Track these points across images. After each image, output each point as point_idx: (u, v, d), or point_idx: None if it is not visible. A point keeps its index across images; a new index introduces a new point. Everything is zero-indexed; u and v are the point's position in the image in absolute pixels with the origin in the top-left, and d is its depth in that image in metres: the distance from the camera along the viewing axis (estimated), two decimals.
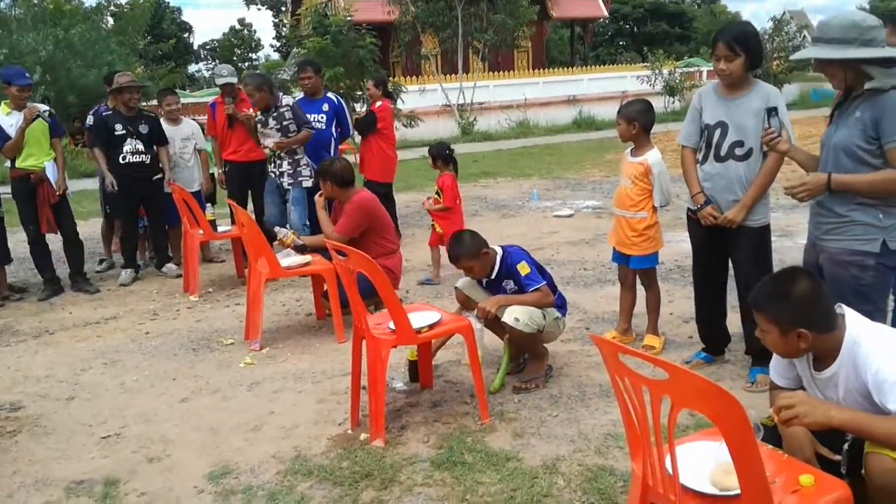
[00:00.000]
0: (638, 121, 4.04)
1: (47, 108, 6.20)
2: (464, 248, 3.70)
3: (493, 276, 3.77)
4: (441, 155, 5.98)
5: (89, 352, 4.70)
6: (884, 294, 2.89)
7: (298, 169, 5.87)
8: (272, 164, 6.03)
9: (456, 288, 3.92)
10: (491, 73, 22.85)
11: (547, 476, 2.89)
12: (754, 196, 3.46)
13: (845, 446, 2.14)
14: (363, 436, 3.31)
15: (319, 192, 4.80)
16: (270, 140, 5.83)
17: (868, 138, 2.70)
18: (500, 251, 3.78)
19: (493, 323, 3.72)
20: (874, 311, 2.68)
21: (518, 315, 3.55)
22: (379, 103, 6.98)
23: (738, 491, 1.83)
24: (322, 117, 6.42)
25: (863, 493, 1.99)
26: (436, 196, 5.90)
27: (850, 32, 2.66)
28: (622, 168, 4.22)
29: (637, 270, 4.21)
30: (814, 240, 2.99)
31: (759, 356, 3.71)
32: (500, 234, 7.18)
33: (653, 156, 4.05)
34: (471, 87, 20.88)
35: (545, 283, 3.69)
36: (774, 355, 2.39)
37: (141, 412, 3.74)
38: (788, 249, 5.91)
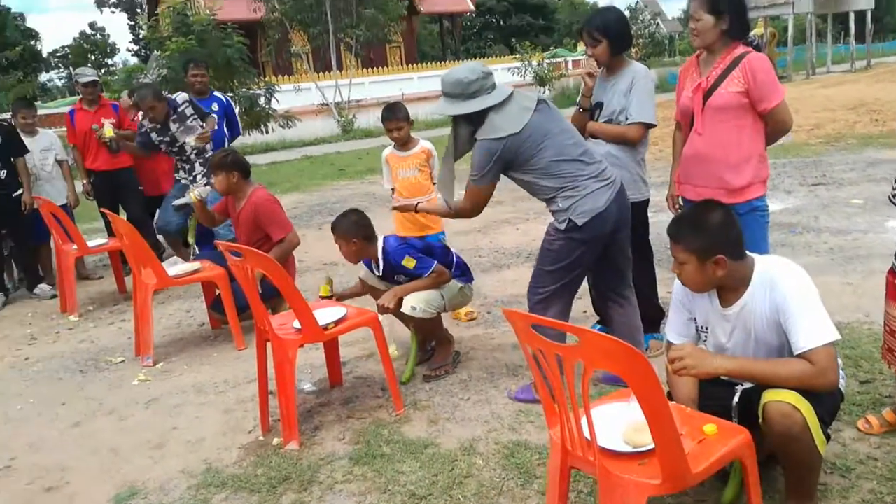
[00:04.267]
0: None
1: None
2: (344, 224, 3.64)
3: (381, 273, 3.77)
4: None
5: None
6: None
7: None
8: (181, 171, 5.80)
9: (360, 279, 3.90)
10: (365, 69, 22.77)
11: (466, 458, 2.95)
12: None
13: (735, 399, 2.31)
14: (276, 440, 3.24)
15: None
16: (191, 136, 5.57)
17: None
18: (381, 244, 3.73)
19: (398, 313, 3.74)
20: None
21: (414, 303, 3.57)
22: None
23: (651, 446, 1.95)
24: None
25: (757, 442, 2.15)
26: None
27: (457, 88, 3.11)
28: (396, 167, 4.57)
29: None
30: None
31: (648, 324, 3.94)
32: (391, 227, 7.18)
33: (426, 142, 4.62)
34: (346, 84, 20.70)
35: (435, 264, 3.67)
36: (670, 317, 2.54)
37: (30, 441, 3.48)
38: (664, 223, 6.27)
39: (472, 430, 3.18)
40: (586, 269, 3.37)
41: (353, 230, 3.65)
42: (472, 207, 3.30)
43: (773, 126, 3.20)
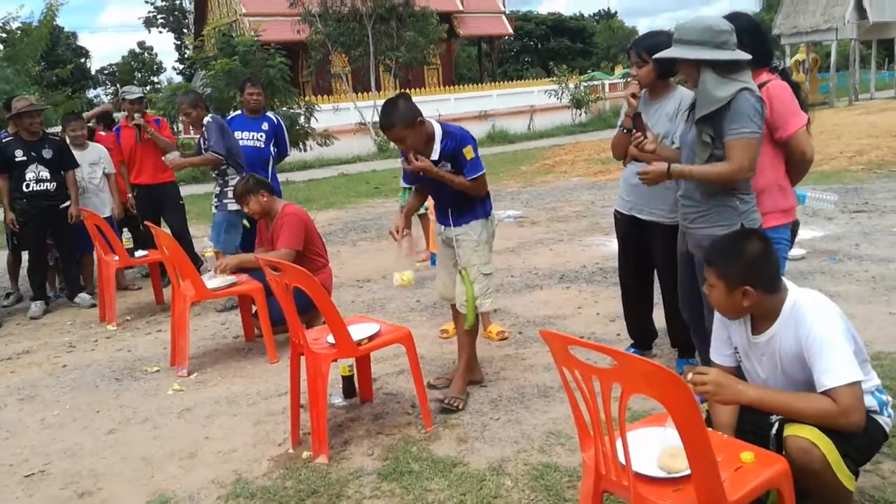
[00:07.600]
0: None
1: None
2: (397, 113, 3.33)
3: (433, 158, 3.50)
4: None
5: (2, 388, 4.42)
6: None
7: (224, 190, 5.70)
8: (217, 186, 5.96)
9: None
10: (403, 90, 22.99)
11: (494, 478, 2.92)
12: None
13: (773, 431, 2.24)
14: (305, 454, 3.24)
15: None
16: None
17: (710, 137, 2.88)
18: (438, 128, 3.51)
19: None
20: None
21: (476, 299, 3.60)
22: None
23: (686, 472, 1.90)
24: (261, 136, 6.34)
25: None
26: None
27: (704, 35, 2.81)
28: None
29: None
30: (683, 229, 3.18)
31: (684, 349, 3.88)
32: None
33: None
34: None
35: (483, 172, 3.55)
36: (713, 336, 2.49)
37: (65, 447, 3.54)
38: None
39: (501, 450, 3.15)
40: None
41: (409, 115, 3.35)
42: (751, 164, 2.81)
43: (793, 157, 3.11)
